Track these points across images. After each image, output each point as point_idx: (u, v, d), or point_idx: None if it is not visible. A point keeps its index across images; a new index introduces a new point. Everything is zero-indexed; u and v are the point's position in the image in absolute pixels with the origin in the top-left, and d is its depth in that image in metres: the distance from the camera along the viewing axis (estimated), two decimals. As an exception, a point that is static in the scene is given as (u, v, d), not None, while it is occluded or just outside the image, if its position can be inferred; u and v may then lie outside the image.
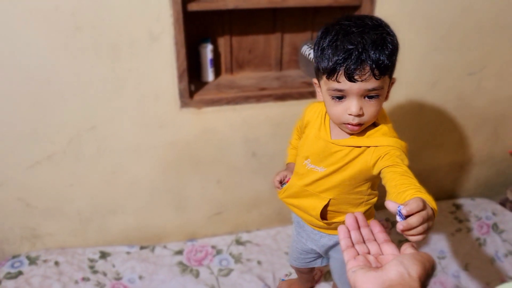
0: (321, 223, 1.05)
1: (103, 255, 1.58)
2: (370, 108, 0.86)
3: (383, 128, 0.93)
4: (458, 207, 1.81)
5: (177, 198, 1.60)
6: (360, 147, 0.93)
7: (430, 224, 0.63)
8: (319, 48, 0.86)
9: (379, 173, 0.89)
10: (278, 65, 1.63)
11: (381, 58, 0.80)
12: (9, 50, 1.21)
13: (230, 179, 1.61)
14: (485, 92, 1.65)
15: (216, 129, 1.49)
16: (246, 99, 1.46)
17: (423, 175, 1.80)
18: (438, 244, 1.65)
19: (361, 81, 0.81)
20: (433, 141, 1.74)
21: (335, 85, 0.84)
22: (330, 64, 0.82)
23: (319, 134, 1.00)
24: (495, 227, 1.72)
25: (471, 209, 1.78)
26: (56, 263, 1.52)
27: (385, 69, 0.81)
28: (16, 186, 1.44)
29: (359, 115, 0.86)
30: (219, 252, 1.63)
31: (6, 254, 1.57)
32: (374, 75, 0.81)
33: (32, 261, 1.53)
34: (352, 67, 0.80)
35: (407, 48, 1.46)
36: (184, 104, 1.41)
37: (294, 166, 1.12)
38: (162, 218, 1.63)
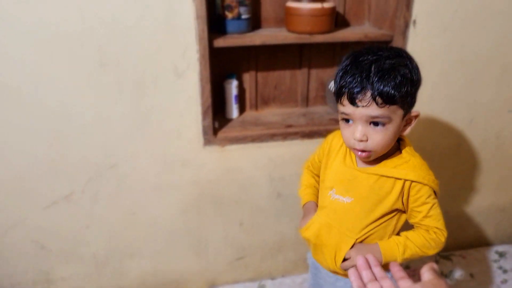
0: (339, 270, 0.98)
1: (118, 303, 1.48)
2: (375, 135, 0.85)
3: (411, 160, 0.92)
4: (501, 254, 1.66)
5: (197, 241, 1.50)
6: (388, 177, 0.91)
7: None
8: (336, 73, 0.89)
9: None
10: (304, 101, 1.57)
11: (385, 87, 0.80)
12: (32, 85, 1.18)
13: (254, 221, 1.52)
14: (527, 130, 1.55)
15: (240, 168, 1.42)
16: (271, 137, 1.40)
17: (462, 219, 1.68)
18: (483, 296, 1.49)
19: (363, 106, 0.82)
20: (472, 183, 1.62)
21: (341, 108, 0.87)
22: (337, 87, 0.87)
23: (345, 162, 0.98)
24: (544, 277, 1.56)
25: (516, 258, 1.63)
26: (68, 311, 1.43)
27: (389, 98, 0.81)
28: (31, 227, 1.38)
29: (362, 141, 0.86)
30: (241, 301, 1.51)
31: (16, 299, 1.49)
32: (376, 103, 0.81)
33: (43, 307, 1.44)
34: (355, 91, 0.82)
35: (442, 83, 1.40)
36: (207, 142, 1.35)
37: (313, 205, 1.08)
38: (181, 262, 1.53)
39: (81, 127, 1.26)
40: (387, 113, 0.83)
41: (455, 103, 1.45)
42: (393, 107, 0.83)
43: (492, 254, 1.66)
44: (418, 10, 1.29)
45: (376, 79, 0.80)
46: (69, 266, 1.46)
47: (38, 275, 1.46)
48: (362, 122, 0.85)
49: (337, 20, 1.45)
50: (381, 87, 0.80)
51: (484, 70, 1.41)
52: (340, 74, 0.86)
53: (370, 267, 0.72)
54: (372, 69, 0.81)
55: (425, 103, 1.42)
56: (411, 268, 1.59)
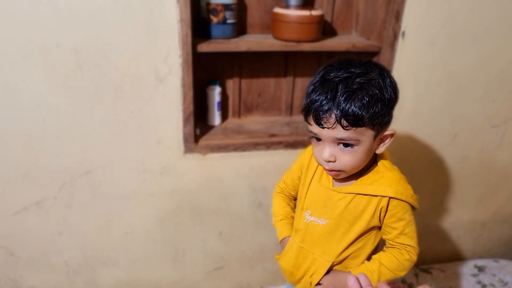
0: None
1: (90, 312, 1.42)
2: (344, 156, 0.82)
3: (388, 175, 0.88)
4: (480, 269, 1.66)
5: (174, 251, 1.46)
6: (364, 195, 0.88)
7: None
8: (306, 89, 0.85)
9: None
10: (288, 109, 1.54)
11: (351, 109, 0.76)
12: (3, 87, 1.12)
13: (233, 231, 1.48)
14: (509, 146, 1.55)
15: (221, 177, 1.38)
16: (254, 146, 1.37)
17: (442, 233, 1.68)
18: (461, 311, 1.49)
19: (328, 128, 0.79)
20: (453, 197, 1.62)
21: (309, 126, 0.84)
22: (304, 104, 0.83)
23: (321, 182, 0.93)
24: (522, 293, 1.57)
25: (495, 272, 1.63)
26: (37, 320, 1.37)
27: (355, 121, 0.77)
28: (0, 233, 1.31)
29: (330, 161, 0.83)
30: (218, 312, 1.47)
31: (-18, 307, 1.42)
32: (341, 125, 0.78)
33: (10, 317, 1.37)
34: (320, 112, 0.78)
35: (426, 97, 1.39)
36: (188, 150, 1.31)
37: None
38: (157, 272, 1.48)
39: (56, 131, 1.20)
40: (354, 135, 0.79)
41: (439, 118, 1.44)
42: (361, 129, 0.79)
43: (471, 268, 1.66)
44: (407, 21, 1.27)
45: (342, 99, 0.76)
46: (40, 274, 1.40)
47: (6, 283, 1.40)
48: (330, 142, 0.82)
49: (324, 28, 1.42)
50: (346, 108, 0.76)
51: (469, 86, 1.40)
52: (309, 91, 0.82)
53: (361, 287, 0.69)
54: (339, 88, 0.77)
55: (409, 116, 1.41)
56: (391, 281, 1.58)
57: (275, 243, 1.53)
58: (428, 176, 1.55)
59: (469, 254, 1.77)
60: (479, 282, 1.60)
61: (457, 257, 1.74)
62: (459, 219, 1.67)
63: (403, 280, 1.59)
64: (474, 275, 1.63)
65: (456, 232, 1.70)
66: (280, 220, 1.08)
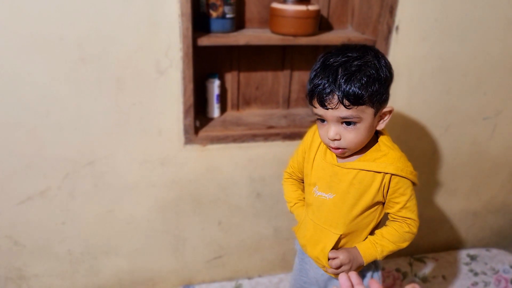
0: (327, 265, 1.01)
1: (92, 300, 1.46)
2: (347, 134, 0.89)
3: (390, 153, 0.94)
4: (472, 258, 1.71)
5: (175, 240, 1.50)
6: (368, 171, 0.93)
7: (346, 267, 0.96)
8: (309, 75, 0.91)
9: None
10: (285, 102, 1.58)
11: (351, 89, 0.83)
12: (8, 79, 1.15)
13: (232, 220, 1.52)
14: (501, 137, 1.59)
15: (220, 167, 1.42)
16: (253, 137, 1.40)
17: (435, 222, 1.72)
18: (453, 298, 1.54)
19: (332, 108, 0.85)
20: (446, 187, 1.66)
21: (314, 109, 0.90)
22: (308, 89, 0.89)
23: (325, 158, 0.99)
24: (513, 281, 1.62)
25: (487, 261, 1.68)
26: (41, 308, 1.40)
27: (356, 99, 0.84)
28: (4, 223, 1.34)
29: (335, 140, 0.89)
30: (217, 300, 1.51)
31: (-13, 295, 1.45)
32: (344, 104, 0.84)
33: (15, 304, 1.41)
34: (323, 94, 0.85)
35: (420, 89, 1.43)
36: (188, 141, 1.34)
37: None
38: (158, 261, 1.52)
39: (59, 123, 1.23)
40: (356, 113, 0.85)
41: (432, 110, 1.48)
42: (362, 107, 0.85)
43: (463, 257, 1.71)
44: (401, 16, 1.31)
45: (342, 81, 0.83)
46: (43, 262, 1.44)
47: (11, 272, 1.43)
48: (334, 122, 0.88)
49: (321, 23, 1.46)
50: (347, 89, 0.83)
51: (461, 79, 1.44)
52: (311, 77, 0.88)
53: (352, 286, 0.73)
54: (339, 71, 0.84)
55: (403, 108, 1.45)
56: (386, 269, 1.62)
57: (272, 232, 1.57)
58: (421, 166, 1.58)
59: (462, 243, 1.82)
60: (471, 270, 1.64)
61: (450, 247, 1.79)
62: (452, 209, 1.72)
63: (397, 269, 1.63)
64: (467, 264, 1.67)
65: (449, 222, 1.74)
66: (295, 204, 1.13)
